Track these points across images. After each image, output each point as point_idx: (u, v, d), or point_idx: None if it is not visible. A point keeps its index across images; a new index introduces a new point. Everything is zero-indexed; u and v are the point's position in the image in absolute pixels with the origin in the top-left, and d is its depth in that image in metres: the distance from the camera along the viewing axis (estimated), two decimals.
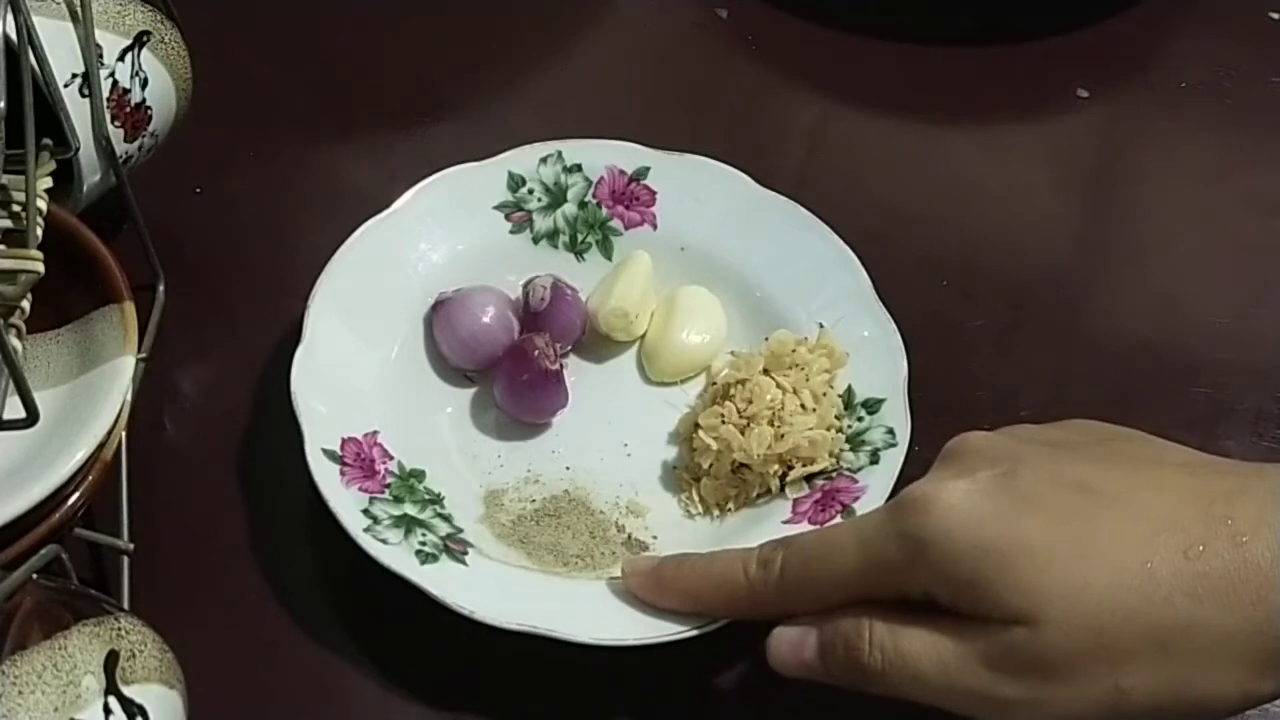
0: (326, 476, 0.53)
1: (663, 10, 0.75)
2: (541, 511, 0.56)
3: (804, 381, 0.56)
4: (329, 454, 0.54)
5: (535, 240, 0.62)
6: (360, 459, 0.54)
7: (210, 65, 0.60)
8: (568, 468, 0.57)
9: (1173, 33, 0.75)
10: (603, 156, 0.63)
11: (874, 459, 0.55)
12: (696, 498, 0.56)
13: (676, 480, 0.57)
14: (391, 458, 0.55)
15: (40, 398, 0.48)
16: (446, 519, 0.54)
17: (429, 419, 0.58)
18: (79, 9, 0.53)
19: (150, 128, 0.58)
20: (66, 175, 0.54)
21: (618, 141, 0.63)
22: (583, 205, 0.62)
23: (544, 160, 0.62)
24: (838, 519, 0.53)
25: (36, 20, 0.50)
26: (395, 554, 0.51)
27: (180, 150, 0.61)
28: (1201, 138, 0.70)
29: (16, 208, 0.51)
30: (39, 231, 0.51)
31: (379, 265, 0.59)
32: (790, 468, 0.55)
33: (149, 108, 0.57)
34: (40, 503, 0.47)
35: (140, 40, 0.56)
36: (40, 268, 0.50)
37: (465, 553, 0.53)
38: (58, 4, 0.53)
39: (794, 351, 0.57)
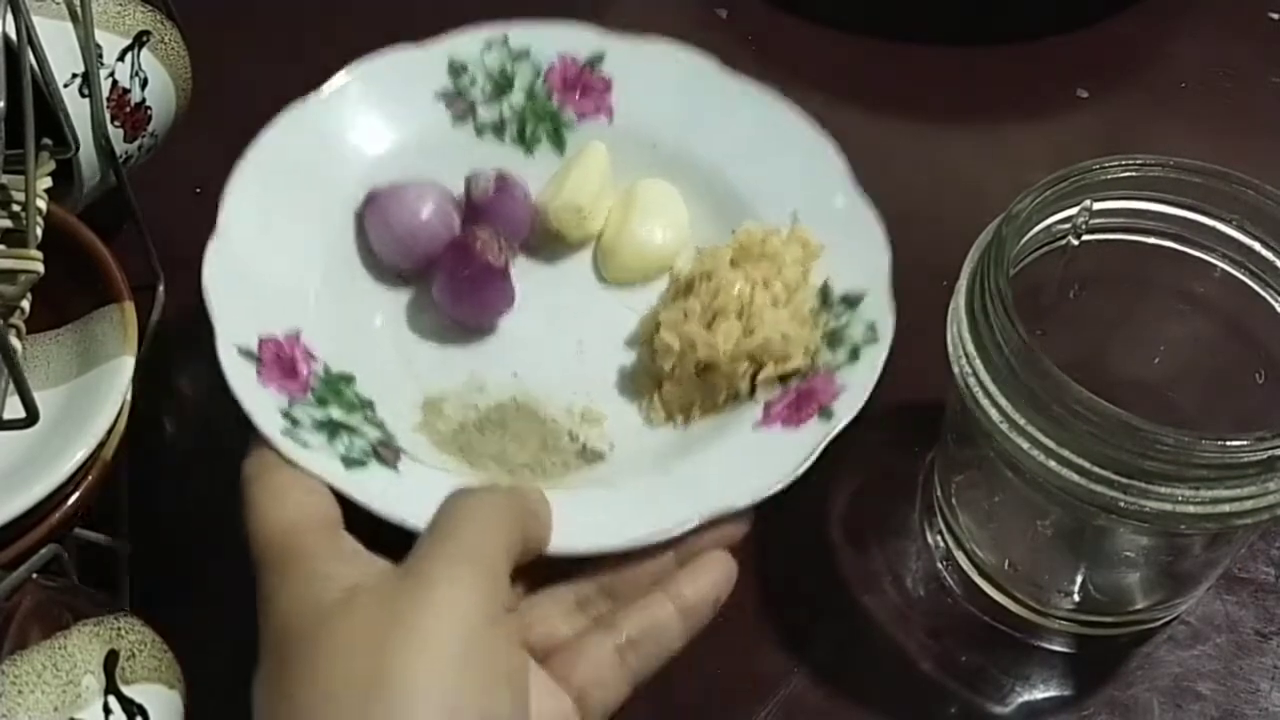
0: (240, 375, 0.48)
1: (663, 10, 0.75)
2: (486, 420, 0.52)
3: (775, 274, 0.52)
4: (244, 352, 0.49)
5: (479, 132, 0.57)
6: (280, 359, 0.50)
7: (210, 65, 0.60)
8: (515, 374, 0.53)
9: (1173, 33, 0.75)
10: (553, 41, 0.58)
11: (854, 355, 0.51)
12: (658, 403, 0.52)
13: (636, 385, 0.53)
14: (316, 359, 0.51)
15: (40, 398, 0.48)
16: (378, 425, 0.50)
17: (360, 321, 0.54)
18: (79, 9, 0.53)
19: (150, 128, 0.58)
20: (66, 175, 0.54)
21: (570, 23, 0.58)
22: (531, 95, 0.57)
23: (489, 45, 0.57)
24: (814, 421, 0.49)
25: (36, 20, 0.50)
26: (316, 458, 0.47)
27: (180, 150, 0.61)
28: (1202, 137, 0.70)
29: (16, 207, 0.51)
30: (39, 231, 0.51)
31: (306, 155, 0.55)
32: (761, 367, 0.51)
33: (149, 108, 0.57)
34: (40, 502, 0.47)
35: (140, 40, 0.56)
36: (40, 267, 0.50)
37: (398, 459, 0.49)
38: (57, 4, 0.53)
39: (764, 242, 0.53)
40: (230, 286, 0.50)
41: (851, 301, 0.52)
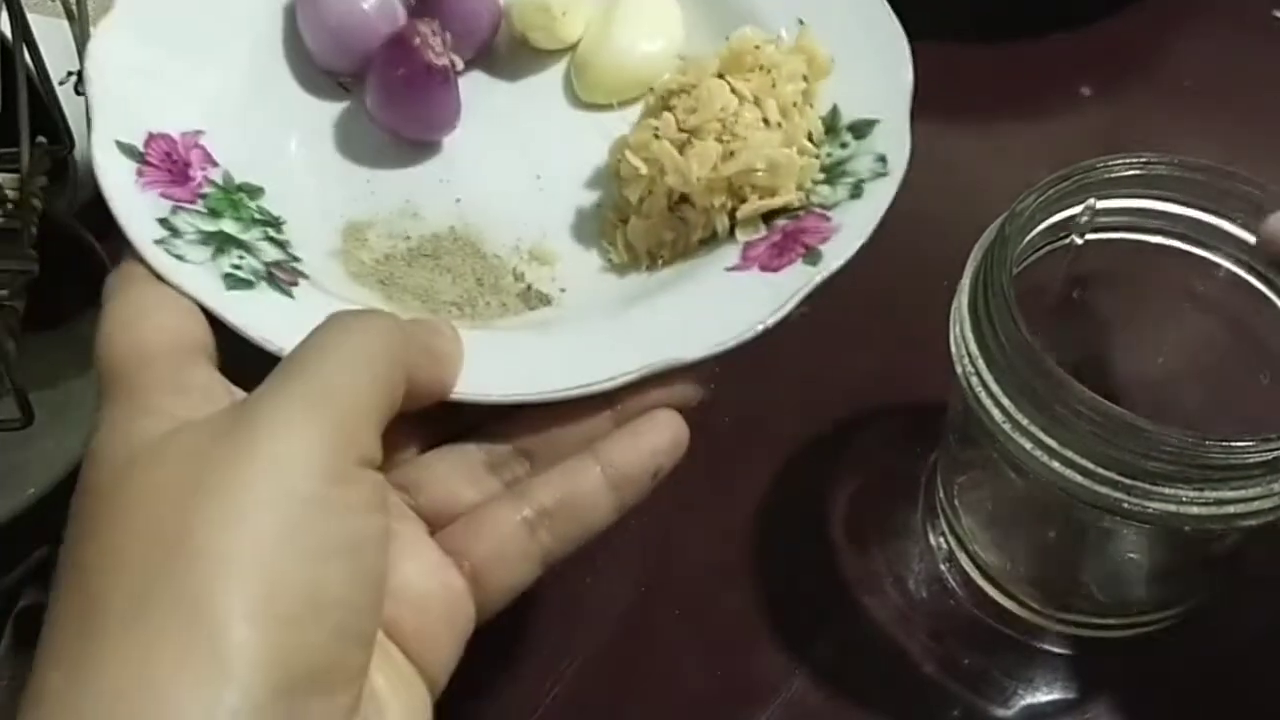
0: (116, 173, 0.42)
1: None
2: (417, 251, 0.45)
3: (769, 89, 0.44)
4: (126, 148, 0.42)
5: None
6: (171, 160, 0.43)
7: None
8: (458, 200, 0.47)
9: (1176, 31, 0.75)
10: None
11: (855, 192, 0.44)
12: (621, 243, 0.45)
13: (600, 223, 0.46)
14: (216, 165, 0.44)
15: (35, 398, 0.47)
16: (280, 245, 0.44)
17: (282, 130, 0.47)
18: (74, 7, 0.53)
19: None
20: (62, 174, 0.54)
21: None
22: None
23: None
24: (797, 265, 0.42)
25: (31, 18, 0.50)
26: (192, 274, 0.40)
27: None
28: (1205, 137, 0.70)
29: (11, 206, 0.51)
30: (34, 230, 0.50)
31: None
32: (743, 201, 0.44)
33: None
34: (36, 503, 0.47)
35: None
36: (35, 267, 0.50)
37: (295, 284, 0.42)
38: (53, 2, 0.52)
39: (759, 50, 0.45)
40: (121, 75, 0.44)
41: (860, 131, 0.45)
